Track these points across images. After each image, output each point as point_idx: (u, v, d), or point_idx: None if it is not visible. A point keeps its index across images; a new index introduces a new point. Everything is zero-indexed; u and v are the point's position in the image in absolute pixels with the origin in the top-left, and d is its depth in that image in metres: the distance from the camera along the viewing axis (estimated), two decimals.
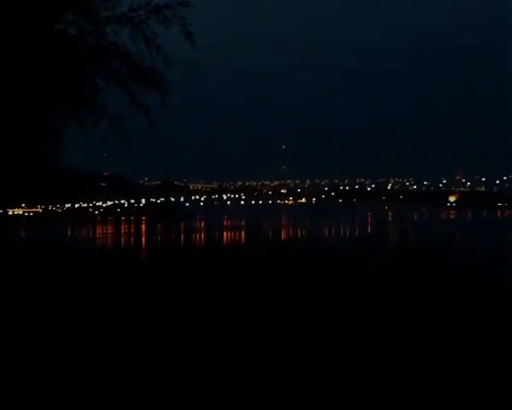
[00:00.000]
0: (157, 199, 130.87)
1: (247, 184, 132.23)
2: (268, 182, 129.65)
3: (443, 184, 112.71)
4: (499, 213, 77.95)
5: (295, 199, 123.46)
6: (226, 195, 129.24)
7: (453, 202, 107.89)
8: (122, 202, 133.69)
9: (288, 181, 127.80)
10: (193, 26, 8.14)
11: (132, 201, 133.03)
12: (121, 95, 8.43)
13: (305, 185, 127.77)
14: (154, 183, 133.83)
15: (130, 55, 8.04)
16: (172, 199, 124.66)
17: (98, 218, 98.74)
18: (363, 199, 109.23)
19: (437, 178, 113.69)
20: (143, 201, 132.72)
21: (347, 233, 34.73)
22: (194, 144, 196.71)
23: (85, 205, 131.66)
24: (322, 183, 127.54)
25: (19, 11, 7.46)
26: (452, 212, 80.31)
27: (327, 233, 32.96)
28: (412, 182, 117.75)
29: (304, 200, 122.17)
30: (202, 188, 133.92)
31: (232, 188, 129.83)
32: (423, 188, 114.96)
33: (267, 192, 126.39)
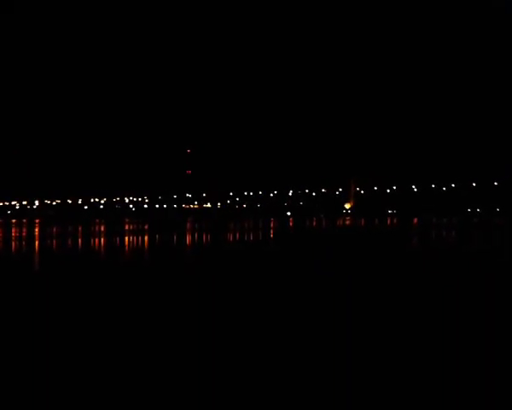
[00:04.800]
0: (52, 201, 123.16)
1: None
2: None
3: None
4: None
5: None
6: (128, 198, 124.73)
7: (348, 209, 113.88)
8: (13, 203, 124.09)
9: None
10: None
11: (24, 202, 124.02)
12: None
13: None
14: None
15: None
16: None
17: None
18: None
19: None
20: (37, 202, 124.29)
21: None
22: None
23: None
24: None
25: None
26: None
27: None
28: None
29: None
30: None
31: None
32: None
33: None
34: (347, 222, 63.42)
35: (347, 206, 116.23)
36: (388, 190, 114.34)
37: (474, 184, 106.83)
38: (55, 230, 43.70)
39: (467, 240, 28.86)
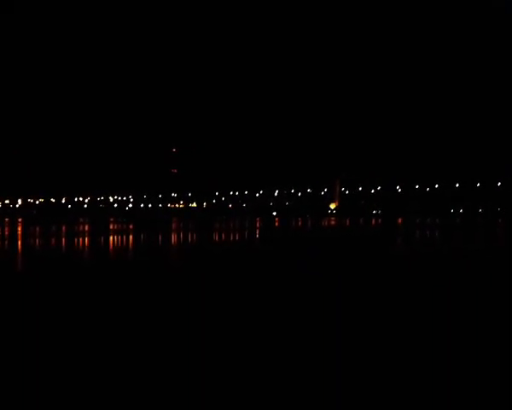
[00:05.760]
0: (35, 200, 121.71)
1: None
2: None
3: None
4: None
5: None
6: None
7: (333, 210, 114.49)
8: None
9: None
10: None
11: (7, 201, 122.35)
12: None
13: None
14: None
15: None
16: None
17: None
18: None
19: None
20: (20, 201, 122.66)
21: None
22: None
23: None
24: None
25: None
26: None
27: None
28: None
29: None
30: None
31: None
32: None
33: None
34: (332, 222, 63.81)
35: (332, 206, 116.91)
36: (373, 191, 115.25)
37: (457, 185, 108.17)
38: (38, 229, 43.15)
39: (450, 240, 29.21)
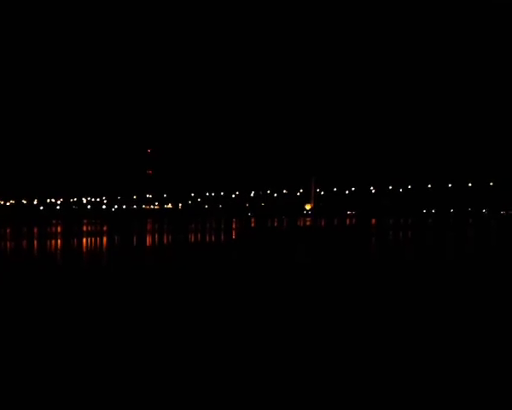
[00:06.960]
0: (6, 201, 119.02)
1: None
2: None
3: None
4: None
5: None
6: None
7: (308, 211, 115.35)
8: None
9: None
10: None
11: None
12: None
13: None
14: None
15: None
16: None
17: None
18: None
19: None
20: None
21: None
22: None
23: None
24: None
25: None
26: None
27: None
28: None
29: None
30: None
31: None
32: None
33: None
34: (308, 223, 64.19)
35: (308, 207, 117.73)
36: (347, 192, 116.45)
37: (429, 186, 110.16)
38: (8, 231, 42.24)
39: (422, 239, 29.72)
